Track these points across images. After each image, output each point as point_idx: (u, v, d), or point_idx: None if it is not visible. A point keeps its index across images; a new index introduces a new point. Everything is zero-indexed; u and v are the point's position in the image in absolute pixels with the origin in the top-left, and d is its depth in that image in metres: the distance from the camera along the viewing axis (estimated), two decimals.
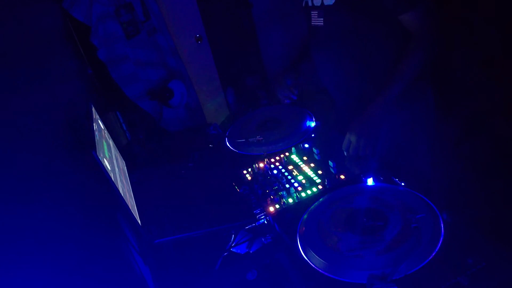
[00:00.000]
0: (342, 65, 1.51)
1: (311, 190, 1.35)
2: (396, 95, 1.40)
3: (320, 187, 1.36)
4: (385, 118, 1.44)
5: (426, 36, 1.34)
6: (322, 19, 1.44)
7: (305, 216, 1.22)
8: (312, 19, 1.50)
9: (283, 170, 1.48)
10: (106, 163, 1.16)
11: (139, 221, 1.20)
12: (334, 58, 1.52)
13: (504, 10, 1.87)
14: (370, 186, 1.27)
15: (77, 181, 1.22)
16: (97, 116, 1.43)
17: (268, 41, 3.09)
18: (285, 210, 1.29)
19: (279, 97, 1.73)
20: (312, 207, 1.25)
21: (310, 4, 1.49)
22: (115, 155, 1.45)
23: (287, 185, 1.39)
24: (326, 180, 1.36)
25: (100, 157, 1.09)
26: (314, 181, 1.39)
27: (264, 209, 1.30)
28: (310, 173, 1.43)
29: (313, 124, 1.70)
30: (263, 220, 1.29)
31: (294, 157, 1.55)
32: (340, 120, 1.58)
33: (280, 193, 1.35)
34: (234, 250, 1.27)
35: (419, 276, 0.94)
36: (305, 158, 1.53)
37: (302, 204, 1.28)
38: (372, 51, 1.42)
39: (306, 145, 1.59)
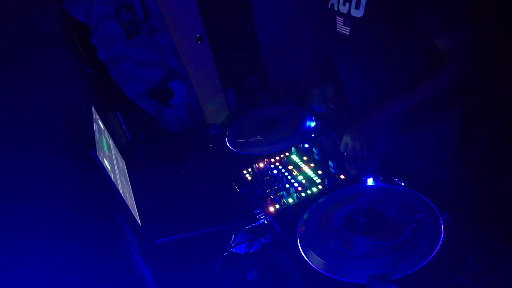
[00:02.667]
0: (367, 78, 1.44)
1: (311, 190, 1.35)
2: (401, 110, 1.35)
3: (320, 187, 1.36)
4: (385, 124, 1.42)
5: (456, 63, 1.26)
6: (348, 28, 1.34)
7: (305, 216, 1.22)
8: (338, 25, 1.40)
9: (283, 170, 1.48)
10: (106, 163, 1.16)
11: (139, 221, 1.20)
12: (358, 69, 1.44)
13: (504, 9, 1.87)
14: (370, 186, 1.28)
15: (77, 181, 1.22)
16: (97, 116, 1.42)
17: (268, 41, 3.09)
18: (285, 210, 1.29)
19: (311, 105, 1.65)
20: (312, 207, 1.25)
21: (335, 8, 1.38)
22: (115, 155, 1.45)
23: (287, 185, 1.39)
24: (326, 180, 1.36)
25: (100, 157, 1.09)
26: (314, 181, 1.39)
27: (264, 209, 1.30)
28: (310, 173, 1.43)
29: (313, 124, 1.70)
30: (263, 220, 1.29)
31: (294, 157, 1.55)
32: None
33: (280, 193, 1.35)
34: (234, 250, 1.27)
35: (419, 276, 0.94)
36: (305, 158, 1.53)
37: (302, 204, 1.28)
38: (399, 67, 1.35)
39: (306, 145, 1.59)
